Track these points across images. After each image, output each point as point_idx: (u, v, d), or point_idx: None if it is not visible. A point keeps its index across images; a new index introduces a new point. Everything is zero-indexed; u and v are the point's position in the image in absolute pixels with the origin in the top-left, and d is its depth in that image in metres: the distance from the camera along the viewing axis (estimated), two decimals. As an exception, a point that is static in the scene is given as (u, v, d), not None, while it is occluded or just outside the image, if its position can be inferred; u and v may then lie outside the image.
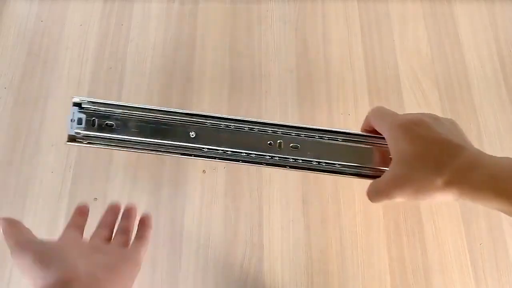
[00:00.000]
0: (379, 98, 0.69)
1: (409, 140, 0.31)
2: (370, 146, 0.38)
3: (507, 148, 0.66)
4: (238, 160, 0.37)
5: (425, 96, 0.69)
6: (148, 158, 0.64)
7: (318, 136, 0.38)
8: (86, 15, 0.74)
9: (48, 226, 0.60)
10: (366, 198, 0.63)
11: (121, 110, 0.36)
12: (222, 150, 0.36)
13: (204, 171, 0.64)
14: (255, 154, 0.37)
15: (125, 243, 0.40)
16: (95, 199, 0.62)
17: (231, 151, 0.36)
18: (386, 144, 0.35)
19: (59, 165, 0.63)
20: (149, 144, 0.36)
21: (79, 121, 0.36)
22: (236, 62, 0.71)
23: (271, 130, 0.37)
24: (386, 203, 0.37)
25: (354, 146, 0.38)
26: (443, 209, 0.63)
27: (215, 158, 0.37)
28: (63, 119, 0.66)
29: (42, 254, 0.30)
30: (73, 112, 0.36)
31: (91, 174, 0.63)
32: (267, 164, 0.37)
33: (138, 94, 0.68)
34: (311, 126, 0.38)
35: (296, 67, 0.71)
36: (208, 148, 0.37)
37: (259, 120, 0.37)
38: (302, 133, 0.37)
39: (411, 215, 0.63)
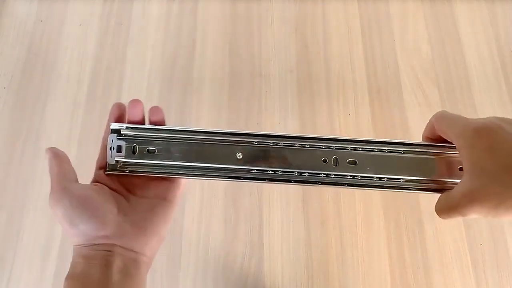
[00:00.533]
0: (380, 98, 0.69)
1: (488, 147, 0.28)
2: (435, 156, 0.34)
3: (508, 148, 0.66)
4: (290, 181, 0.34)
5: (426, 96, 0.69)
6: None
7: (377, 149, 0.34)
8: (85, 15, 0.74)
9: (47, 226, 0.60)
10: (366, 198, 0.63)
11: (163, 134, 0.34)
12: (272, 171, 0.34)
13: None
14: (309, 173, 0.34)
15: None
16: (95, 199, 0.62)
17: (282, 171, 0.34)
18: (454, 153, 0.32)
19: (59, 165, 0.63)
20: (194, 168, 0.34)
21: (119, 149, 0.34)
22: (236, 62, 0.71)
23: (325, 146, 0.34)
24: (453, 218, 0.32)
25: (417, 157, 0.34)
26: (443, 209, 0.63)
27: (265, 179, 0.34)
28: (62, 119, 0.66)
29: (72, 212, 0.29)
30: (112, 140, 0.34)
31: (91, 174, 0.63)
32: (323, 183, 0.34)
33: (137, 94, 0.68)
34: (369, 139, 0.34)
35: (296, 67, 0.71)
36: (257, 170, 0.34)
37: (311, 136, 0.34)
38: (359, 147, 0.34)
39: (411, 215, 0.63)
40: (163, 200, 0.33)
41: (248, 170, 0.34)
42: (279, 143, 0.34)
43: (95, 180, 0.33)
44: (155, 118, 0.35)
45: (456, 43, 0.74)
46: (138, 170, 0.34)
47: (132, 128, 0.34)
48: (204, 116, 0.67)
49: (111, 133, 0.34)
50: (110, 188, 0.32)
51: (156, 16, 0.74)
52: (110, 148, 0.34)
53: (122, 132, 0.34)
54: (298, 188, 0.63)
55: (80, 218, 0.29)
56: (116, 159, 0.34)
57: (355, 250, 0.61)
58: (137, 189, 0.33)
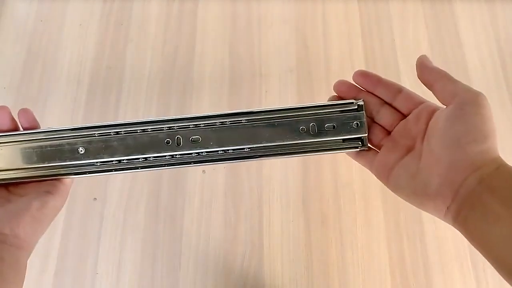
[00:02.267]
0: (379, 98, 0.69)
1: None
2: (276, 121, 0.34)
3: (508, 147, 0.66)
4: (136, 168, 0.34)
5: (426, 96, 0.69)
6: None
7: (219, 122, 0.34)
8: (85, 15, 0.74)
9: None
10: (366, 198, 0.63)
11: (2, 140, 0.35)
12: (116, 161, 0.34)
13: (204, 171, 0.64)
14: (153, 156, 0.34)
15: None
16: (95, 199, 0.62)
17: (126, 160, 0.34)
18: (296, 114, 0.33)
19: (59, 165, 0.63)
20: (37, 169, 0.34)
21: None
22: (236, 62, 0.71)
23: (167, 127, 0.34)
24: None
25: (259, 125, 0.34)
26: (443, 209, 0.63)
27: (111, 170, 0.34)
28: (62, 119, 0.66)
29: None
30: None
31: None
32: (168, 165, 0.34)
33: (137, 94, 0.68)
34: (208, 114, 0.34)
35: (296, 67, 0.71)
36: (101, 162, 0.34)
37: (150, 120, 0.34)
38: (201, 123, 0.34)
39: (411, 215, 0.63)
40: (43, 192, 0.33)
41: (93, 164, 0.34)
42: (120, 131, 0.34)
43: None
44: (24, 120, 0.36)
45: (456, 43, 0.74)
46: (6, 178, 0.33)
47: None
48: (204, 116, 0.67)
49: None
50: None
51: (156, 16, 0.74)
52: None
53: None
54: (298, 188, 0.63)
55: None
56: None
57: (355, 250, 0.61)
58: (18, 190, 0.33)
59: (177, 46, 0.72)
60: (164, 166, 0.34)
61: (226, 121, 0.34)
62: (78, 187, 0.62)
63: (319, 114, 0.34)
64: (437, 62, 0.74)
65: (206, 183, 0.63)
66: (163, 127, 0.34)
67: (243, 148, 0.34)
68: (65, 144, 0.34)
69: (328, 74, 0.71)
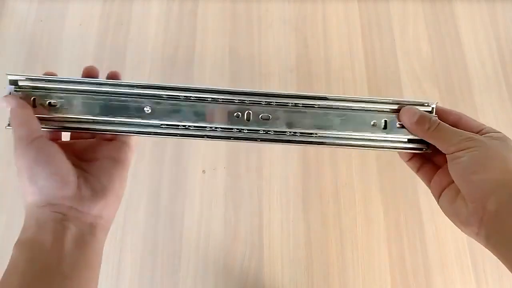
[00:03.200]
0: (379, 98, 0.69)
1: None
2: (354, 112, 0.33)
3: (508, 148, 0.66)
4: (202, 136, 0.32)
5: (426, 96, 0.69)
6: (148, 158, 0.64)
7: (292, 103, 0.33)
8: (85, 15, 0.74)
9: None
10: (366, 198, 0.63)
11: (65, 86, 0.32)
12: (183, 126, 0.32)
13: (204, 171, 0.64)
14: (221, 128, 0.32)
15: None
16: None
17: (194, 127, 0.32)
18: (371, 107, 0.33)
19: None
20: (99, 122, 0.32)
21: None
22: (236, 62, 0.71)
23: (238, 100, 0.33)
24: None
25: (333, 113, 0.33)
26: (443, 209, 0.63)
27: (175, 135, 0.32)
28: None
29: (35, 166, 0.28)
30: (10, 92, 0.31)
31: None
32: (235, 139, 0.33)
33: (138, 94, 0.68)
34: (283, 93, 0.33)
35: (296, 67, 0.71)
36: (166, 125, 0.32)
37: (224, 89, 0.32)
38: (273, 101, 0.33)
39: (412, 215, 0.63)
40: (115, 162, 0.31)
41: (157, 125, 0.32)
42: (190, 97, 0.32)
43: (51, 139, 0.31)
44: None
45: (456, 43, 0.74)
46: (66, 126, 0.32)
47: (32, 79, 0.31)
48: (204, 116, 0.67)
49: (9, 84, 0.31)
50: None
51: (156, 16, 0.74)
52: None
53: (20, 84, 0.31)
54: (298, 188, 0.63)
55: (41, 174, 0.27)
56: None
57: (355, 250, 0.61)
58: (87, 154, 0.32)
59: (177, 46, 0.72)
60: (230, 139, 0.33)
61: (299, 103, 0.33)
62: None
63: (390, 111, 0.34)
64: (437, 62, 0.75)
65: (206, 183, 0.63)
66: (234, 99, 0.32)
67: (311, 133, 0.33)
68: (131, 101, 0.32)
69: (328, 74, 0.71)
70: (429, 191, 0.33)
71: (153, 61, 0.71)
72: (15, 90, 0.31)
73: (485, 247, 0.29)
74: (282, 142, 0.33)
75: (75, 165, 0.29)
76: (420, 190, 0.64)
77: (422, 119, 0.32)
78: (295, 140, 0.33)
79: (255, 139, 0.33)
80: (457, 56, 0.73)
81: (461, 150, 0.29)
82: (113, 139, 0.33)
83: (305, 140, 0.33)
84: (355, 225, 0.62)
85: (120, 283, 0.58)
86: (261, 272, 0.59)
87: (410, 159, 0.35)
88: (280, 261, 0.60)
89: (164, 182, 0.63)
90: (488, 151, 0.29)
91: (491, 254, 0.28)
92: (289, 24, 0.74)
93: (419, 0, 0.77)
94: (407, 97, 0.69)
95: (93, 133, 0.33)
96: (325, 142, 0.33)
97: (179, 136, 0.32)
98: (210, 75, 0.70)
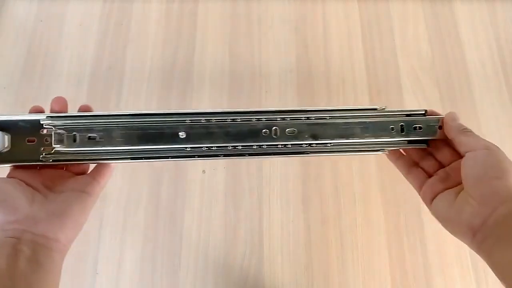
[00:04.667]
0: (380, 98, 0.69)
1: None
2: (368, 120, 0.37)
3: (508, 147, 0.66)
4: (243, 154, 0.35)
5: (426, 96, 0.69)
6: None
7: (314, 117, 0.36)
8: (85, 15, 0.74)
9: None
10: (366, 198, 0.63)
11: (103, 121, 0.34)
12: (216, 147, 0.34)
13: (204, 171, 0.64)
14: (257, 145, 0.35)
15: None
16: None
17: (231, 147, 0.35)
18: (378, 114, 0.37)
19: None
20: (138, 151, 0.34)
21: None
22: (236, 62, 0.71)
23: (265, 118, 0.36)
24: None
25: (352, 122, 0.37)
26: (443, 209, 0.63)
27: (216, 156, 0.35)
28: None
29: None
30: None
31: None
32: (268, 154, 0.36)
33: (137, 93, 0.68)
34: (308, 108, 0.36)
35: (296, 67, 0.71)
36: (207, 147, 0.34)
37: (252, 110, 0.36)
38: (302, 116, 0.36)
39: (411, 215, 0.63)
40: (81, 193, 0.32)
41: (194, 148, 0.34)
42: (225, 119, 0.35)
43: (11, 176, 0.32)
44: (57, 107, 0.35)
45: (456, 43, 0.74)
46: (79, 159, 0.33)
47: (53, 117, 0.33)
48: (204, 116, 0.67)
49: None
50: (26, 183, 0.31)
51: (156, 16, 0.74)
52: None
53: (41, 123, 0.33)
54: (298, 188, 0.63)
55: None
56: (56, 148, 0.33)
57: (355, 250, 0.61)
58: (55, 185, 0.33)
59: (177, 46, 0.72)
60: (267, 155, 0.36)
61: (326, 116, 0.36)
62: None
63: (402, 117, 0.38)
64: (437, 62, 0.75)
65: (206, 183, 0.63)
66: (261, 118, 0.36)
67: (340, 143, 0.36)
68: (166, 128, 0.34)
69: (328, 74, 0.71)
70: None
71: (153, 61, 0.71)
72: (59, 128, 0.34)
73: (476, 251, 0.30)
74: (301, 154, 0.37)
75: (37, 189, 0.31)
76: (420, 190, 0.64)
77: (459, 123, 0.36)
78: (324, 151, 0.37)
79: (284, 153, 0.36)
80: (457, 56, 0.73)
81: (486, 149, 0.31)
82: (84, 173, 0.35)
83: (333, 150, 0.37)
84: (355, 225, 0.62)
85: (120, 283, 0.58)
86: (261, 272, 0.59)
87: (398, 159, 0.38)
88: (280, 261, 0.60)
89: (164, 182, 0.63)
90: (505, 159, 0.31)
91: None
92: (289, 24, 0.74)
93: (419, 0, 0.77)
94: (407, 97, 0.69)
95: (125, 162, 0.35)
96: (325, 150, 0.37)
97: (221, 156, 0.35)
98: (210, 75, 0.70)
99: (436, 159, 0.37)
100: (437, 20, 0.75)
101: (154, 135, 0.34)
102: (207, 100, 0.68)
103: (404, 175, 0.39)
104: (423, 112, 0.38)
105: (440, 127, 0.36)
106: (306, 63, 0.71)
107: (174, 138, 0.34)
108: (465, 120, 0.70)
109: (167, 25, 0.73)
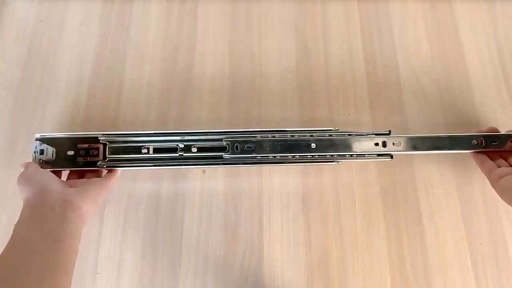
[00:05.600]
0: (380, 98, 0.69)
1: None
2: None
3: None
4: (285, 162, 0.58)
5: (426, 96, 0.69)
6: (148, 158, 0.64)
7: (334, 133, 0.59)
8: (86, 15, 0.74)
9: (48, 226, 0.60)
10: (366, 198, 0.63)
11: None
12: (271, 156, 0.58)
13: (204, 171, 0.64)
14: (299, 155, 0.57)
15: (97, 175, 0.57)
16: (95, 199, 0.62)
17: (279, 156, 0.58)
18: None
19: (59, 165, 0.63)
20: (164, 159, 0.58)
21: (41, 152, 0.55)
22: (236, 62, 0.71)
23: (309, 135, 0.57)
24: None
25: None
26: (443, 209, 0.63)
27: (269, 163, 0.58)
28: (62, 119, 0.66)
29: (26, 176, 0.48)
30: (35, 146, 0.56)
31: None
32: (298, 162, 0.58)
33: (137, 94, 0.68)
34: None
35: (296, 67, 0.71)
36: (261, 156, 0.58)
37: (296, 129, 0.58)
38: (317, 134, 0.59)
39: (411, 215, 0.63)
40: (97, 179, 0.52)
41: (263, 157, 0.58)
42: (268, 136, 0.59)
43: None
44: None
45: (456, 43, 0.74)
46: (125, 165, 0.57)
47: (107, 135, 0.58)
48: (204, 115, 0.67)
49: (35, 140, 0.55)
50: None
51: (156, 16, 0.74)
52: (34, 152, 0.54)
53: (99, 139, 0.57)
54: (298, 188, 0.63)
55: (31, 179, 0.47)
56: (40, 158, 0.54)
57: (355, 250, 0.61)
58: (76, 185, 0.49)
59: (177, 46, 0.72)
60: (301, 163, 0.59)
61: (345, 133, 0.60)
62: (78, 187, 0.62)
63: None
64: (437, 62, 0.75)
65: (206, 183, 0.63)
66: (306, 135, 0.58)
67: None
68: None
69: (328, 74, 0.71)
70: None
71: (153, 61, 0.71)
72: (39, 144, 0.55)
73: None
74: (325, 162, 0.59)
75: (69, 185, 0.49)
76: (420, 190, 0.64)
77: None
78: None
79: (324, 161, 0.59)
80: (457, 56, 0.73)
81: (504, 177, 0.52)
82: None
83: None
84: (355, 225, 0.62)
85: (120, 283, 0.58)
86: (261, 272, 0.59)
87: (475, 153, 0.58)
88: (280, 261, 0.60)
89: (164, 182, 0.63)
90: None
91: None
92: (289, 24, 0.74)
93: (419, 0, 0.77)
94: (407, 97, 0.69)
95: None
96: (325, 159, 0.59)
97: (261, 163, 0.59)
98: (210, 75, 0.70)
99: (506, 160, 0.56)
100: (437, 20, 0.75)
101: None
102: (207, 99, 0.68)
103: (480, 167, 0.57)
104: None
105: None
106: (306, 63, 0.71)
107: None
108: (464, 120, 0.70)
109: (167, 25, 0.73)
